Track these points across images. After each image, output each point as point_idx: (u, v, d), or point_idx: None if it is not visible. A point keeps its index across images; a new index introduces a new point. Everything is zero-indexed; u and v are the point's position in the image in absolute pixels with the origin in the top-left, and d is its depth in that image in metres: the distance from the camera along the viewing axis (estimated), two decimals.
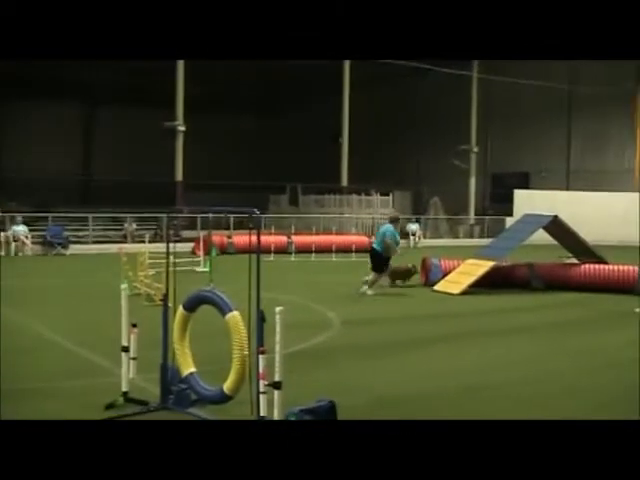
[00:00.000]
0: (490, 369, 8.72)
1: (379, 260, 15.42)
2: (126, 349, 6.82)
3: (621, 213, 36.43)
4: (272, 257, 22.88)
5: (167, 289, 6.72)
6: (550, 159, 46.09)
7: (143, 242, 20.72)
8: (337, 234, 30.03)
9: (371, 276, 15.47)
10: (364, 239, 28.50)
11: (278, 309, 5.60)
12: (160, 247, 7.38)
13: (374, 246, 15.60)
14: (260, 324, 5.86)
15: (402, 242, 33.51)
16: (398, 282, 16.62)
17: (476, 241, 33.67)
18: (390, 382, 7.97)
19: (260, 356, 5.74)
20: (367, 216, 36.02)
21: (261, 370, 5.72)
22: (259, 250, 5.99)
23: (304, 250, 25.79)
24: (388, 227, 15.53)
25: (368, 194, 38.33)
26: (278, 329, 5.58)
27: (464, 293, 15.25)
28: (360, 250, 26.07)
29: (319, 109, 48.05)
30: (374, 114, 48.50)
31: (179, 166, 33.09)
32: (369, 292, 15.14)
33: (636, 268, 16.11)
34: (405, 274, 16.77)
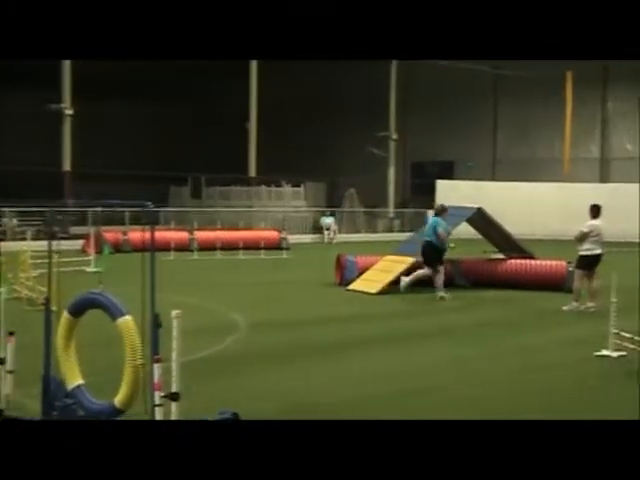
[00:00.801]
0: (413, 374, 8.84)
1: (434, 253, 15.66)
2: (1, 361, 6.62)
3: (550, 204, 37.57)
4: (172, 255, 22.65)
5: (49, 291, 6.55)
6: (475, 147, 47.19)
7: (25, 240, 20.17)
8: (244, 229, 29.96)
9: (424, 270, 15.64)
10: (274, 234, 28.54)
11: (174, 312, 5.53)
12: (44, 245, 7.20)
13: (427, 239, 15.81)
14: (155, 329, 5.77)
15: (315, 237, 33.94)
16: None
17: (396, 235, 34.09)
18: (300, 389, 7.99)
19: (155, 365, 5.65)
20: (277, 209, 36.07)
21: (156, 380, 5.64)
22: (153, 247, 5.90)
23: (208, 247, 25.62)
24: (436, 219, 15.90)
25: (278, 185, 38.41)
26: (175, 334, 5.51)
27: (382, 292, 15.42)
28: (270, 246, 26.11)
29: (225, 93, 47.74)
30: (286, 99, 48.57)
31: (67, 154, 32.34)
32: (403, 283, 15.74)
33: (564, 263, 16.62)
34: None
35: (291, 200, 37.57)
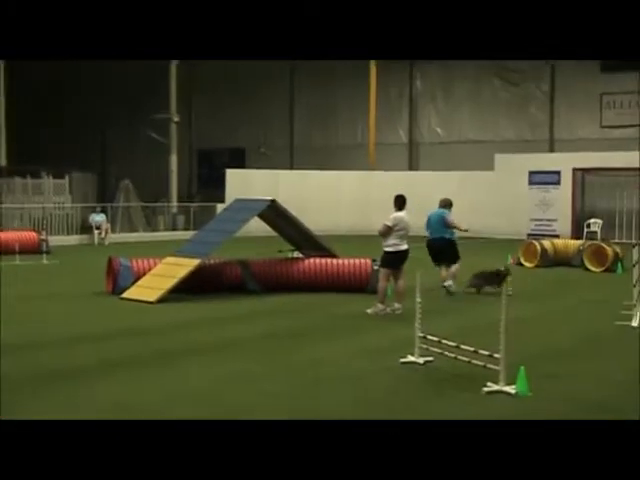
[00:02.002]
0: (190, 397, 8.76)
1: (452, 248, 16.59)
2: None
3: (353, 195, 38.64)
4: None
5: None
6: (271, 133, 47.77)
7: None
8: None
9: (452, 268, 16.35)
10: (32, 235, 27.59)
11: None
12: None
13: (439, 236, 16.57)
14: None
15: (83, 238, 33.10)
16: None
17: (180, 234, 33.91)
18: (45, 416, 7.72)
19: None
20: (36, 205, 34.83)
21: None
22: None
23: None
24: (443, 211, 16.90)
25: (37, 177, 37.06)
26: None
27: (162, 300, 15.27)
28: (27, 250, 25.20)
29: None
30: (45, 76, 47.14)
31: None
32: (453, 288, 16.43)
33: (369, 261, 17.11)
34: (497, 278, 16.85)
35: (53, 194, 36.40)
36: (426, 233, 17.11)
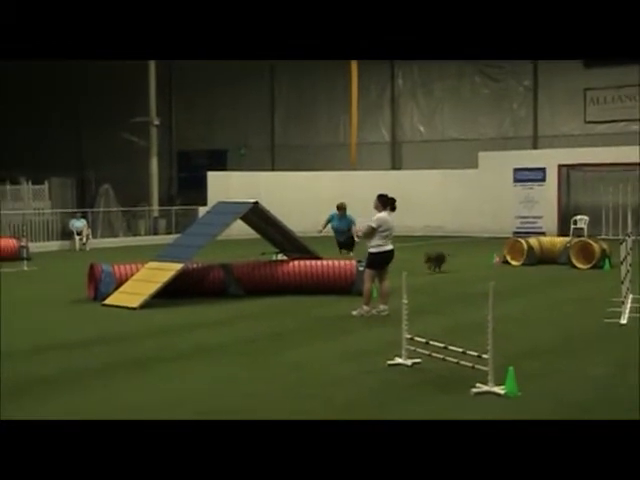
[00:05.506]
0: (167, 402, 8.70)
1: None
2: None
3: (334, 195, 38.59)
4: None
5: None
6: (251, 133, 47.71)
7: None
8: None
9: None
10: (11, 242, 27.46)
11: None
12: None
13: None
14: None
15: (64, 244, 32.96)
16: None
17: (162, 238, 33.83)
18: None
19: None
20: (15, 212, 34.67)
21: None
22: None
23: None
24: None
25: (15, 182, 36.89)
26: None
27: (145, 306, 15.22)
28: (6, 257, 25.10)
29: None
30: (18, 82, 46.95)
31: None
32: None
33: (353, 262, 17.11)
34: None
35: (32, 200, 36.23)
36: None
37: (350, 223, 20.27)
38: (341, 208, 20.49)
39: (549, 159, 36.50)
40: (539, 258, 23.28)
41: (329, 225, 20.79)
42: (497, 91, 41.72)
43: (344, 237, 20.42)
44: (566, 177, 37.15)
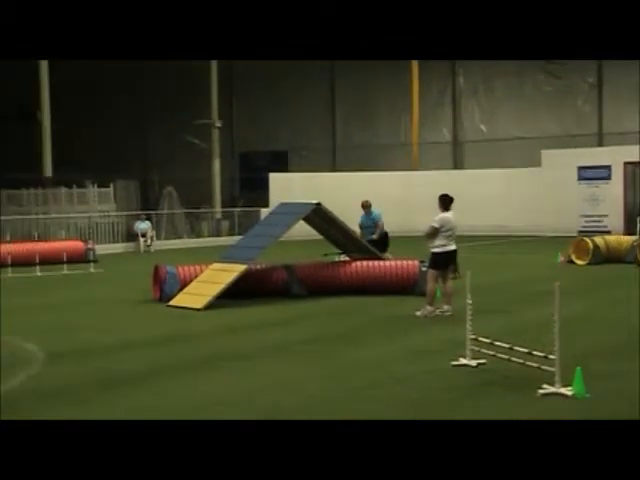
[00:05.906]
0: (234, 404, 8.79)
1: None
2: None
3: (397, 195, 38.50)
4: None
5: None
6: (312, 134, 47.79)
7: None
8: (41, 240, 29.03)
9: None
10: (78, 245, 27.84)
11: None
12: None
13: None
14: None
15: (129, 246, 33.36)
16: None
17: (224, 240, 34.06)
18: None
19: None
20: (81, 215, 35.16)
21: None
22: None
23: None
24: None
25: (81, 186, 37.41)
26: None
27: (209, 307, 15.34)
28: (74, 260, 25.46)
29: (9, 77, 46.11)
30: (84, 84, 47.55)
31: None
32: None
33: (416, 262, 17.05)
34: None
35: (97, 203, 36.70)
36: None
37: (376, 219, 19.98)
38: (366, 206, 20.15)
39: (614, 156, 35.96)
40: (605, 257, 22.96)
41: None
42: (560, 88, 41.27)
43: (370, 233, 19.67)
44: (632, 175, 36.57)
